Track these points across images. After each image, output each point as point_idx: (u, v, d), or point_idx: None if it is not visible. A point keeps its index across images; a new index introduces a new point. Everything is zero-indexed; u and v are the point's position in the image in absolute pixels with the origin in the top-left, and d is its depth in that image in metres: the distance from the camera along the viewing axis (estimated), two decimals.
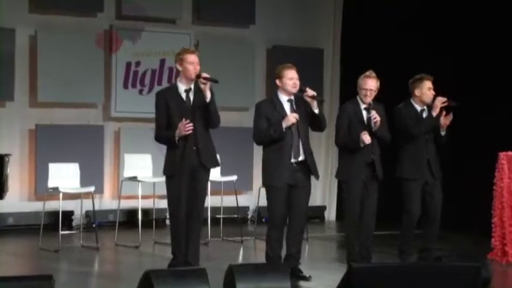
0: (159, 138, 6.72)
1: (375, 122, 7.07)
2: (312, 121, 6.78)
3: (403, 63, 9.76)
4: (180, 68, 6.64)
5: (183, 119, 6.47)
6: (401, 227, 7.44)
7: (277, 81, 6.80)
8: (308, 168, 6.78)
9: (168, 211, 6.74)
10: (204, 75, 6.55)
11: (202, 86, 6.54)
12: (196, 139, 6.55)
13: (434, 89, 7.49)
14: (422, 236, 7.50)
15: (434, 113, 7.31)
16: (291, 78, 6.75)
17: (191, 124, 6.46)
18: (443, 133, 7.43)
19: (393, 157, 7.47)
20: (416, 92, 7.45)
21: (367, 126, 7.12)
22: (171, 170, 6.63)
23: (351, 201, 7.18)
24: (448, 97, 7.39)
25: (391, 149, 7.40)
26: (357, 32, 11.03)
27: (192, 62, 6.58)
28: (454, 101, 7.34)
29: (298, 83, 6.76)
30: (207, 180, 6.81)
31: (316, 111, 6.69)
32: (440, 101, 7.32)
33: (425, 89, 7.44)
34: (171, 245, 6.74)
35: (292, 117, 6.62)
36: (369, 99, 7.16)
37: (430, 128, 7.36)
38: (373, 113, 7.07)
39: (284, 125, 6.62)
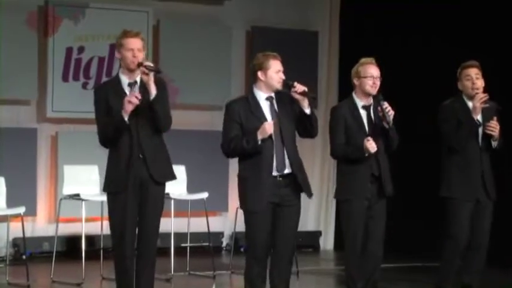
0: (104, 135, 6.61)
1: (389, 116, 7.02)
2: (301, 124, 6.74)
3: (415, 50, 9.80)
4: (117, 56, 6.63)
5: (129, 92, 6.46)
6: (443, 256, 7.43)
7: (260, 74, 6.76)
8: (297, 182, 6.76)
9: (111, 238, 6.68)
10: (146, 63, 6.53)
11: (144, 77, 6.51)
12: (140, 145, 6.53)
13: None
14: (461, 268, 7.46)
15: (475, 116, 7.27)
16: (278, 71, 6.73)
17: (138, 93, 6.43)
18: (494, 144, 7.33)
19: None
20: (459, 85, 7.41)
21: (372, 128, 7.10)
22: (113, 186, 6.59)
23: (352, 224, 7.17)
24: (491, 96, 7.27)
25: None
26: (359, 11, 11.06)
27: (131, 48, 6.55)
28: (493, 103, 7.24)
29: (283, 76, 6.75)
30: (162, 196, 6.74)
31: (308, 111, 6.66)
32: (480, 100, 7.23)
33: (464, 80, 7.36)
34: (116, 281, 6.68)
35: (268, 127, 6.59)
36: (375, 90, 7.15)
37: (473, 135, 7.29)
38: (386, 104, 7.06)
39: (260, 136, 6.59)
